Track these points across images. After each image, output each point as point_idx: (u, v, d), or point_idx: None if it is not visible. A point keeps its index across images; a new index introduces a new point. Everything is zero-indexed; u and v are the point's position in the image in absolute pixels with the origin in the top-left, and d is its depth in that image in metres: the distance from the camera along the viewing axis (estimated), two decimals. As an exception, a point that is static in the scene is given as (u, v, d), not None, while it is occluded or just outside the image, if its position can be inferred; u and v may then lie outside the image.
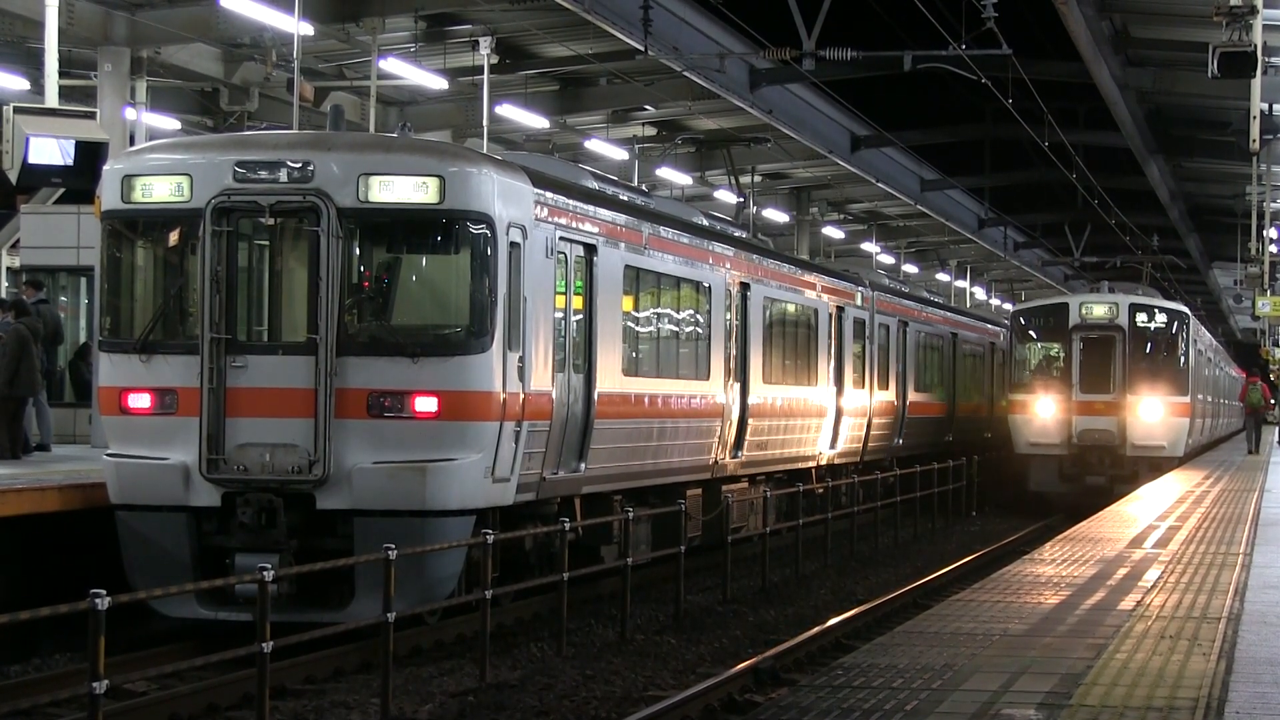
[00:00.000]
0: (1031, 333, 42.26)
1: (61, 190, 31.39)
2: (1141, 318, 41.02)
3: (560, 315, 19.89)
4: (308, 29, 28.34)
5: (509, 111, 35.48)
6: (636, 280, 22.73)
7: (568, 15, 29.47)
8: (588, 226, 20.81)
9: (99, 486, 18.02)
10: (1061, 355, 41.29)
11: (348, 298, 17.66)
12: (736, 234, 29.03)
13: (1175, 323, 41.51)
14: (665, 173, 43.70)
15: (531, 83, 36.85)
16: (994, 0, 27.49)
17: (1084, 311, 41.07)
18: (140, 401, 17.83)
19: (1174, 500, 28.37)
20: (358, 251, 17.84)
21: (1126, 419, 40.00)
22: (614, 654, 18.59)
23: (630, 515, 20.45)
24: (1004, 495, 43.89)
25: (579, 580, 20.10)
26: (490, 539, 16.97)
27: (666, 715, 14.69)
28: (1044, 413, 40.56)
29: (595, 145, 40.66)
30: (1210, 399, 54.95)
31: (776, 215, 52.87)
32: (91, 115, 23.39)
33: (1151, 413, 40.08)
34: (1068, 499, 39.86)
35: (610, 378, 21.33)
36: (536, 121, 37.04)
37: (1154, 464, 39.83)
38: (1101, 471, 40.09)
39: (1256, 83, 22.01)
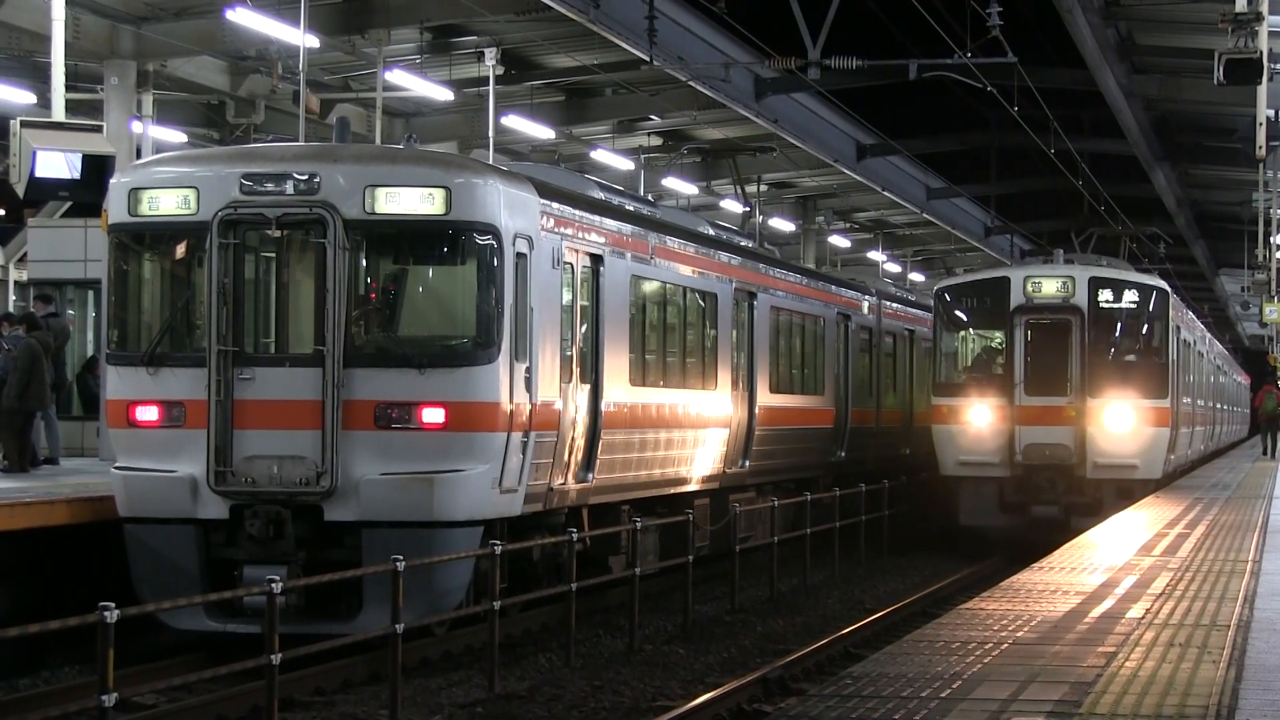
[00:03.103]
0: (962, 316, 33.03)
1: (68, 203, 31.45)
2: (1106, 295, 31.82)
3: (567, 326, 19.89)
4: (313, 41, 28.36)
5: (515, 122, 35.51)
6: (643, 290, 22.74)
7: (573, 26, 29.48)
8: (594, 237, 20.82)
9: (107, 499, 18.03)
10: (1001, 346, 32.24)
11: (355, 309, 17.68)
12: (742, 243, 29.05)
13: (1151, 302, 32.13)
14: (671, 182, 43.70)
15: (537, 93, 36.86)
16: (999, 9, 27.51)
17: (1030, 288, 31.76)
18: (148, 414, 17.84)
19: (1181, 509, 28.34)
20: (364, 263, 17.86)
21: (1086, 429, 30.98)
22: (622, 664, 18.59)
23: (638, 525, 20.43)
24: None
25: (587, 591, 20.09)
26: (498, 550, 16.98)
27: (675, 725, 14.68)
28: (978, 421, 31.39)
29: (601, 155, 40.67)
30: (1202, 403, 44.93)
31: (782, 224, 52.87)
32: (98, 128, 23.39)
33: (1119, 421, 31.07)
34: (1010, 535, 31.47)
35: (617, 388, 21.33)
36: (542, 132, 37.06)
37: (1123, 489, 31.02)
38: (1053, 499, 31.16)
39: (1262, 89, 21.98)
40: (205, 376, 17.57)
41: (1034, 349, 31.56)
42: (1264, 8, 19.90)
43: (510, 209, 18.18)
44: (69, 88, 24.21)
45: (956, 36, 29.33)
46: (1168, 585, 16.54)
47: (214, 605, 17.05)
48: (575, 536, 18.88)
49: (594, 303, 20.81)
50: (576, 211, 20.38)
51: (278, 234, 17.74)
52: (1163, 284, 32.96)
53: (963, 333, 33.27)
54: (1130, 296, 32.04)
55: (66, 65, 23.43)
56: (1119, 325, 32.10)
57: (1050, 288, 31.73)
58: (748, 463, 26.73)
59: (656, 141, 42.25)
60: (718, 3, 28.86)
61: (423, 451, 17.39)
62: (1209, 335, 52.49)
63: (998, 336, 32.48)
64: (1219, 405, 54.42)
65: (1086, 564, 18.71)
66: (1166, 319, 32.27)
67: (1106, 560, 19.01)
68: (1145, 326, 32.15)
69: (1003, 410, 31.30)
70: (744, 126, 39.65)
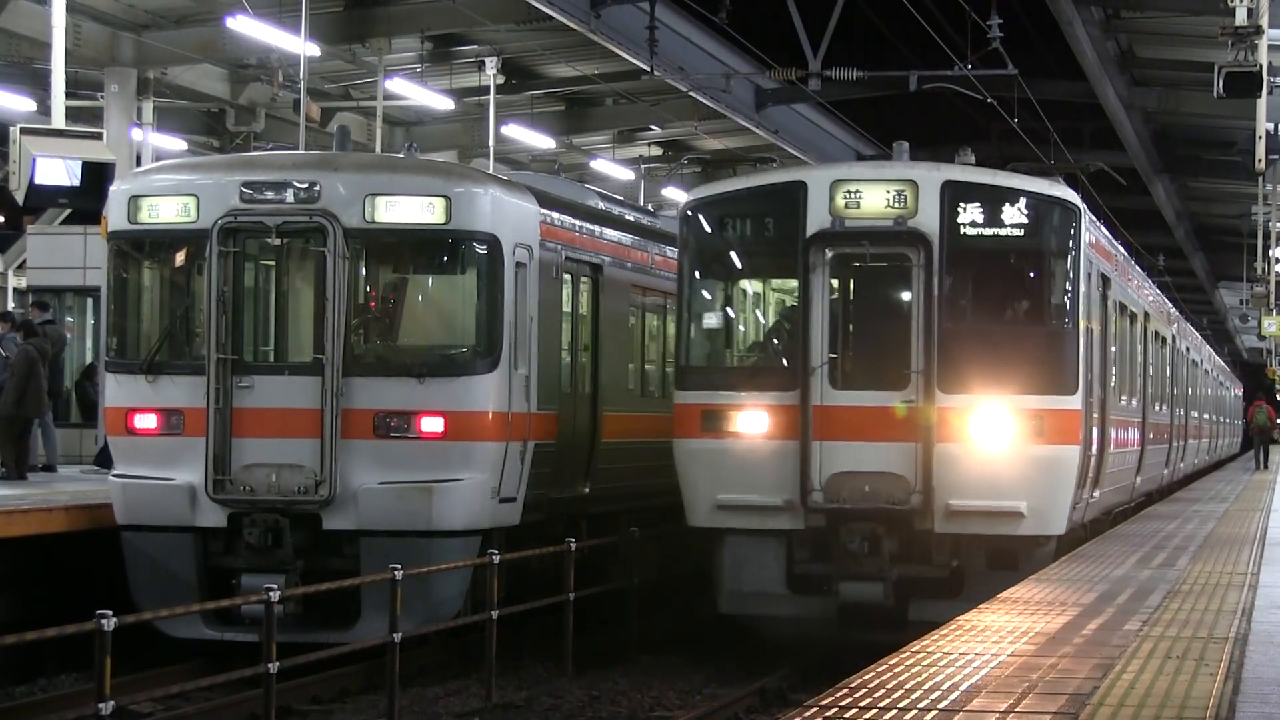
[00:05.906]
0: (728, 252, 19.37)
1: (68, 211, 31.47)
2: (972, 215, 18.22)
3: (566, 335, 19.90)
4: (314, 50, 28.40)
5: (515, 132, 35.55)
6: (642, 300, 22.74)
7: (574, 36, 29.54)
8: (593, 246, 20.84)
9: (105, 507, 18.03)
10: (792, 303, 19.18)
11: (354, 318, 17.70)
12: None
13: (1049, 228, 18.60)
14: (671, 192, 43.74)
15: (537, 103, 36.91)
16: (999, 20, 27.59)
17: (841, 201, 18.23)
18: (147, 422, 17.86)
19: (1176, 522, 28.32)
20: (364, 272, 17.89)
21: (936, 448, 17.92)
22: (620, 674, 18.57)
23: (636, 534, 20.42)
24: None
25: (585, 600, 20.08)
26: (496, 559, 16.97)
27: (673, 736, 14.66)
28: (750, 431, 18.41)
29: (601, 165, 40.72)
30: (1160, 408, 30.51)
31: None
32: (98, 136, 23.40)
33: (992, 433, 18.05)
34: (805, 632, 18.75)
35: (616, 397, 21.32)
36: (542, 141, 37.10)
37: (997, 552, 18.39)
38: (876, 571, 18.04)
39: (1262, 102, 22.02)
40: (204, 384, 17.57)
41: (848, 308, 18.56)
42: (1264, 21, 19.94)
43: (510, 218, 18.20)
44: (69, 95, 24.23)
45: (957, 48, 29.39)
46: (1165, 598, 16.55)
47: (212, 613, 17.05)
48: (573, 546, 18.88)
49: (593, 312, 20.82)
50: (576, 221, 20.40)
51: (277, 242, 17.76)
52: (1072, 196, 19.06)
53: (728, 281, 19.74)
54: (1014, 217, 18.35)
55: (67, 72, 23.45)
56: (995, 267, 18.78)
57: (875, 200, 18.29)
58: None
59: (657, 151, 42.33)
60: (719, 13, 28.92)
61: (421, 460, 17.39)
62: (1173, 310, 37.42)
63: (786, 286, 19.79)
64: (1193, 414, 38.80)
65: (1085, 577, 18.71)
66: (1077, 254, 18.65)
67: (1104, 573, 19.01)
68: (1040, 269, 18.80)
69: (789, 415, 18.22)
70: (744, 137, 39.72)
